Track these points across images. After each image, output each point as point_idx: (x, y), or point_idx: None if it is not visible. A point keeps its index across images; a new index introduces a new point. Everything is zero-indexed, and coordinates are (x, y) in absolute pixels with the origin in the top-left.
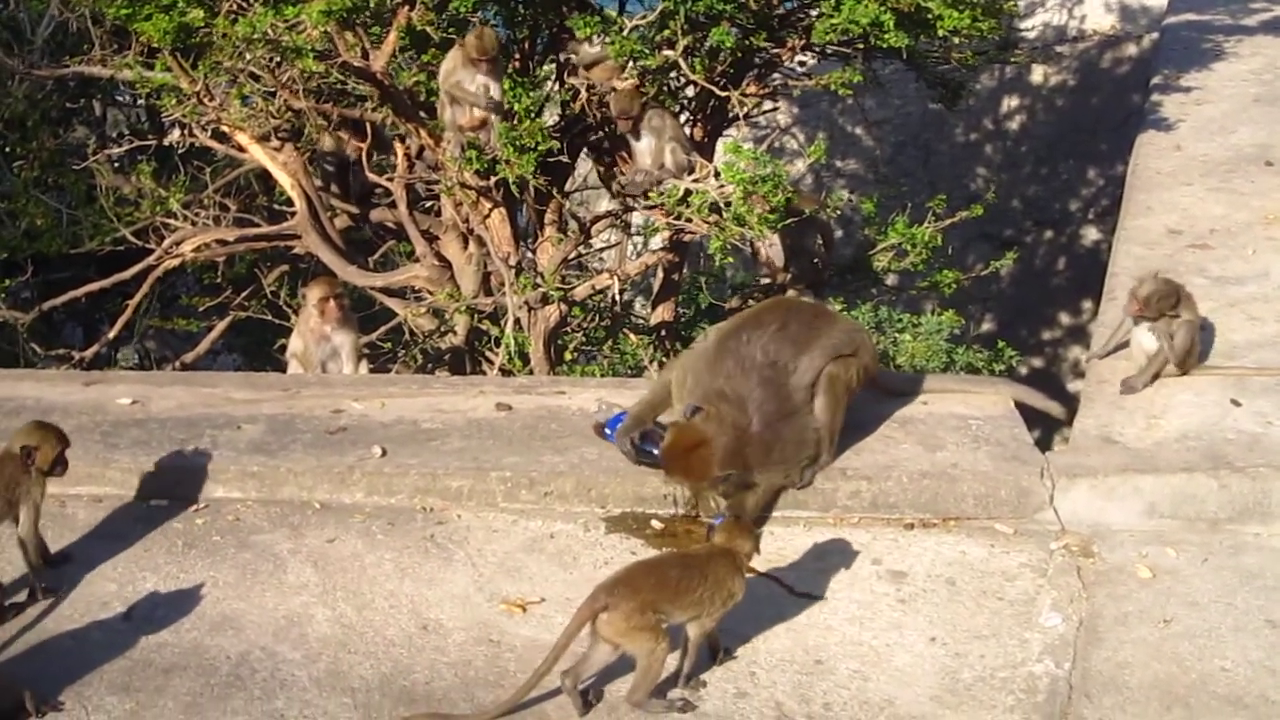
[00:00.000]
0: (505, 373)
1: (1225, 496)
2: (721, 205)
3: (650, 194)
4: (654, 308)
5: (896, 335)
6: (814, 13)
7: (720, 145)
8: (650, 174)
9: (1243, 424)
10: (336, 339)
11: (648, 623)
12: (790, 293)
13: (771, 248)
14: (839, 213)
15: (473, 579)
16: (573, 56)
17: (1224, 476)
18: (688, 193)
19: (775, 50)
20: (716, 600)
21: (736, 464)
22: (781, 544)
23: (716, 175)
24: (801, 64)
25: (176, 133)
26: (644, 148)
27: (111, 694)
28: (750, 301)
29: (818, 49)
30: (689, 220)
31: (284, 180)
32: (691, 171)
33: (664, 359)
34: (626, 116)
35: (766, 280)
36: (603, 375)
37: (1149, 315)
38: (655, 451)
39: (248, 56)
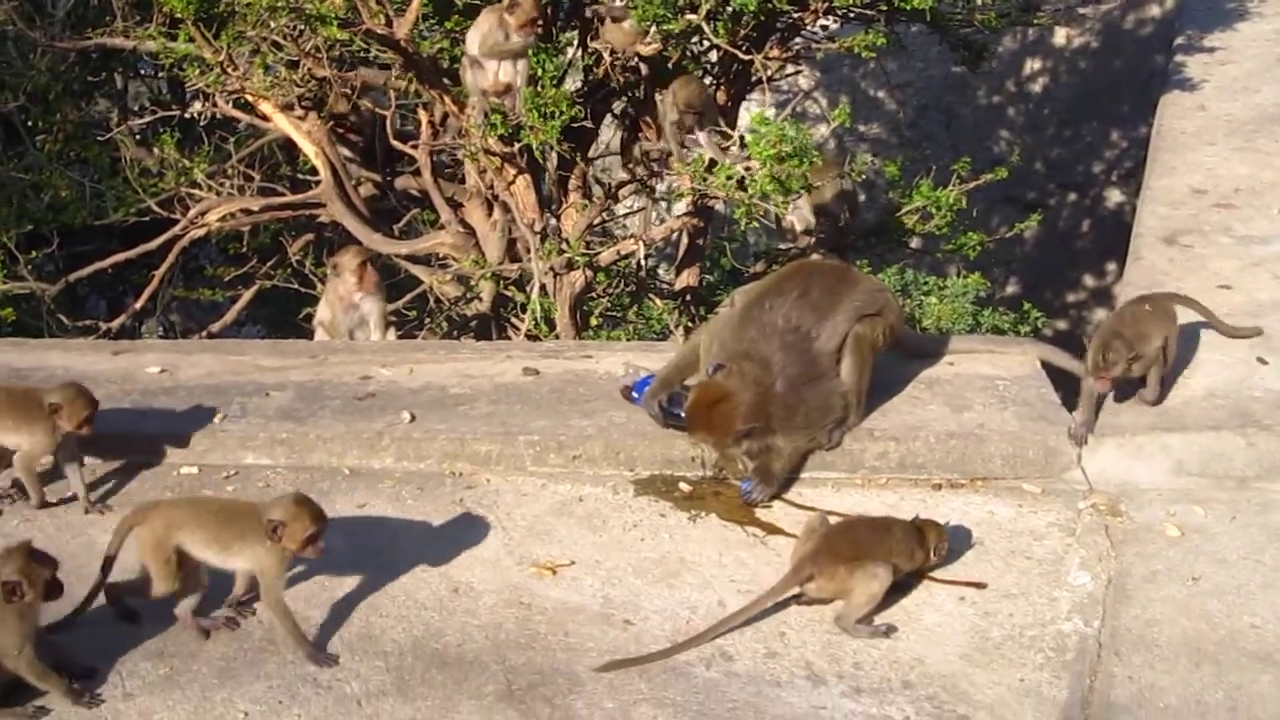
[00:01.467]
0: (532, 338)
1: (1253, 454)
2: (746, 180)
3: (677, 167)
4: (678, 273)
5: (922, 298)
6: None
7: (745, 113)
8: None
9: (1270, 382)
10: (365, 306)
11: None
12: (814, 256)
13: (796, 212)
14: (863, 177)
15: (502, 542)
16: (600, 10)
17: (1251, 434)
18: (713, 163)
19: (798, 14)
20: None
21: (760, 419)
22: (810, 505)
23: (742, 144)
24: (824, 28)
25: (199, 104)
26: (705, 141)
27: (146, 660)
28: (774, 267)
29: (840, 12)
30: (715, 186)
31: (308, 149)
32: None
33: (689, 324)
34: (693, 110)
35: (790, 245)
36: (629, 340)
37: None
38: (682, 414)
39: (271, 25)
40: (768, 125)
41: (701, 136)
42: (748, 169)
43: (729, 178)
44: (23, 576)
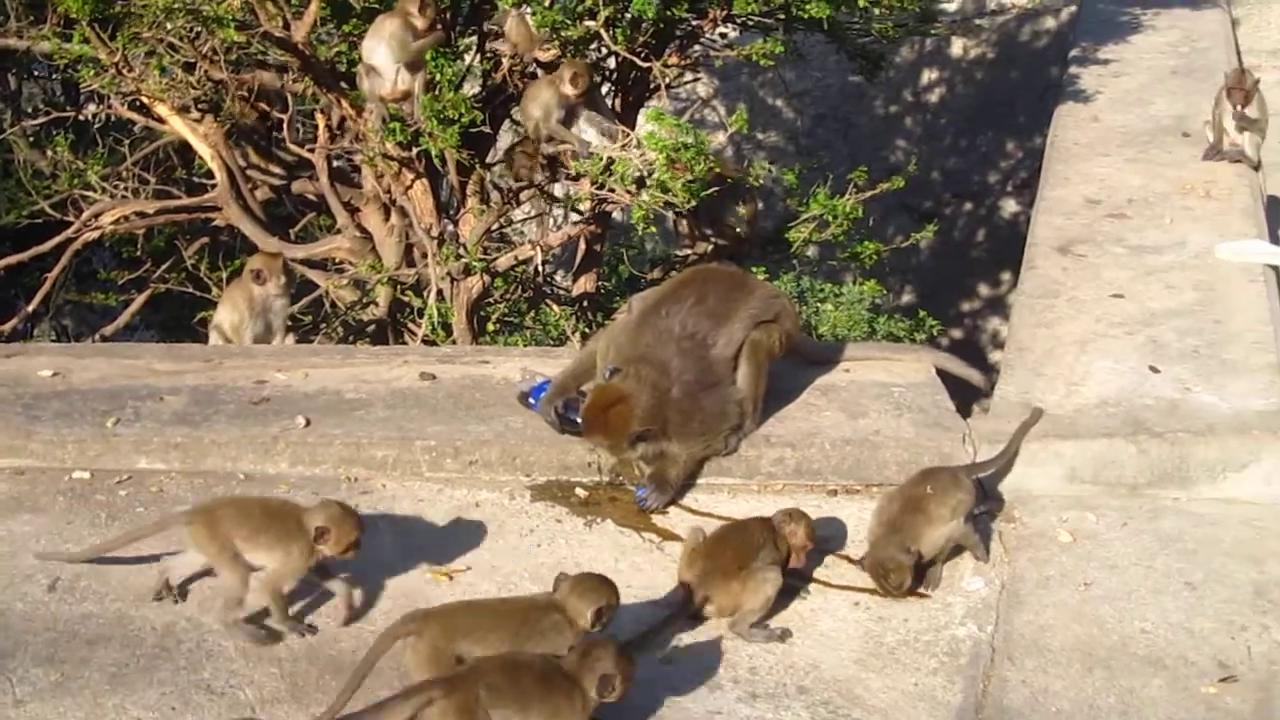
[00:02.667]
0: (428, 343)
1: (1144, 462)
2: (645, 174)
3: (573, 164)
4: (576, 279)
5: (819, 305)
6: None
7: (642, 115)
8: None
9: (1161, 390)
10: (276, 306)
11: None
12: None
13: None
14: (760, 183)
15: (398, 547)
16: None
17: (1143, 442)
18: (611, 162)
19: (697, 21)
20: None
21: (655, 422)
22: (705, 511)
23: (639, 145)
24: (723, 35)
25: (94, 105)
26: (585, 121)
27: (36, 665)
28: (672, 274)
29: (739, 20)
30: (612, 190)
31: (204, 152)
32: (615, 141)
33: (587, 330)
34: (582, 92)
35: (687, 252)
36: (526, 346)
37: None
38: (578, 419)
39: (167, 27)
40: (663, 120)
41: (584, 120)
42: (645, 160)
43: (624, 173)
44: None
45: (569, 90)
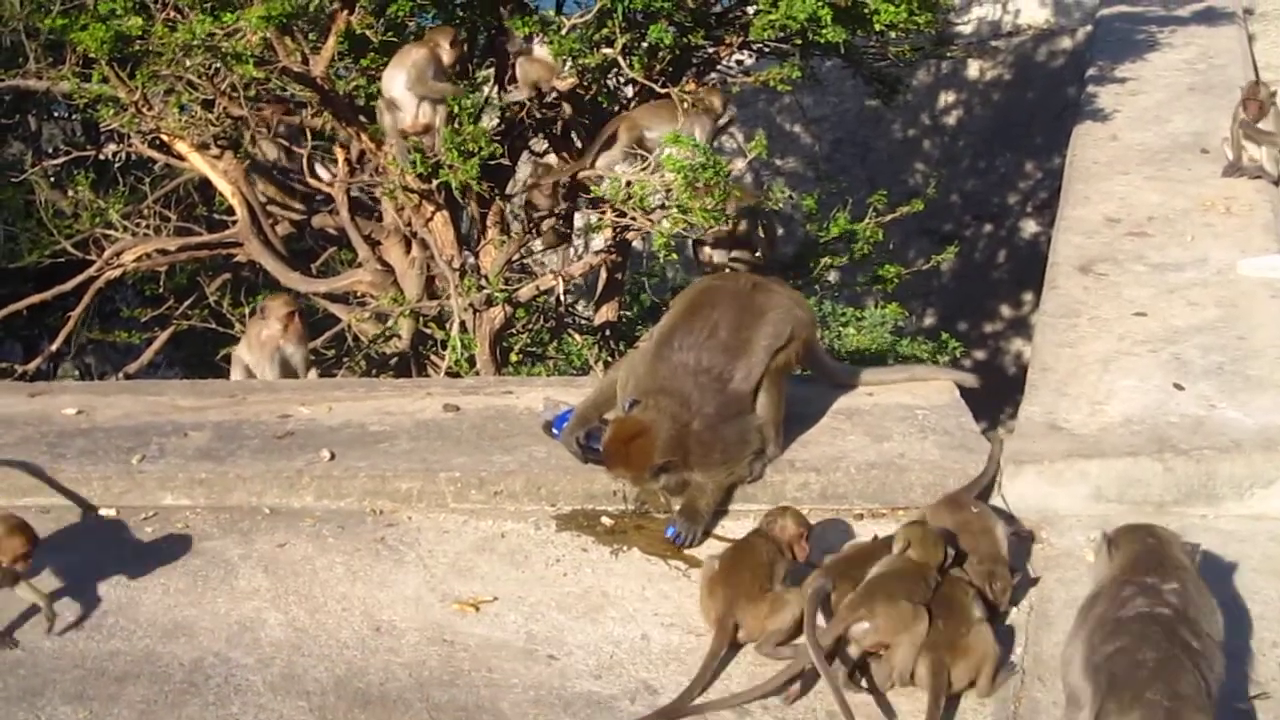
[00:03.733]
0: (452, 375)
1: (1170, 480)
2: (664, 196)
3: (593, 189)
4: (597, 308)
5: (841, 329)
6: (751, 9)
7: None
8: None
9: (1186, 407)
10: (289, 350)
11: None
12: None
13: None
14: (780, 208)
15: (424, 580)
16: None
17: (1169, 460)
18: (630, 185)
19: (713, 48)
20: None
21: (676, 454)
22: (734, 536)
23: (657, 167)
24: (739, 62)
25: (114, 144)
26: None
27: (65, 703)
28: None
29: (755, 46)
30: (633, 218)
31: (224, 188)
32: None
33: (609, 358)
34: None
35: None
36: (548, 375)
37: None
38: (601, 449)
39: (186, 64)
40: (681, 141)
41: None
42: (664, 182)
43: (643, 196)
44: None
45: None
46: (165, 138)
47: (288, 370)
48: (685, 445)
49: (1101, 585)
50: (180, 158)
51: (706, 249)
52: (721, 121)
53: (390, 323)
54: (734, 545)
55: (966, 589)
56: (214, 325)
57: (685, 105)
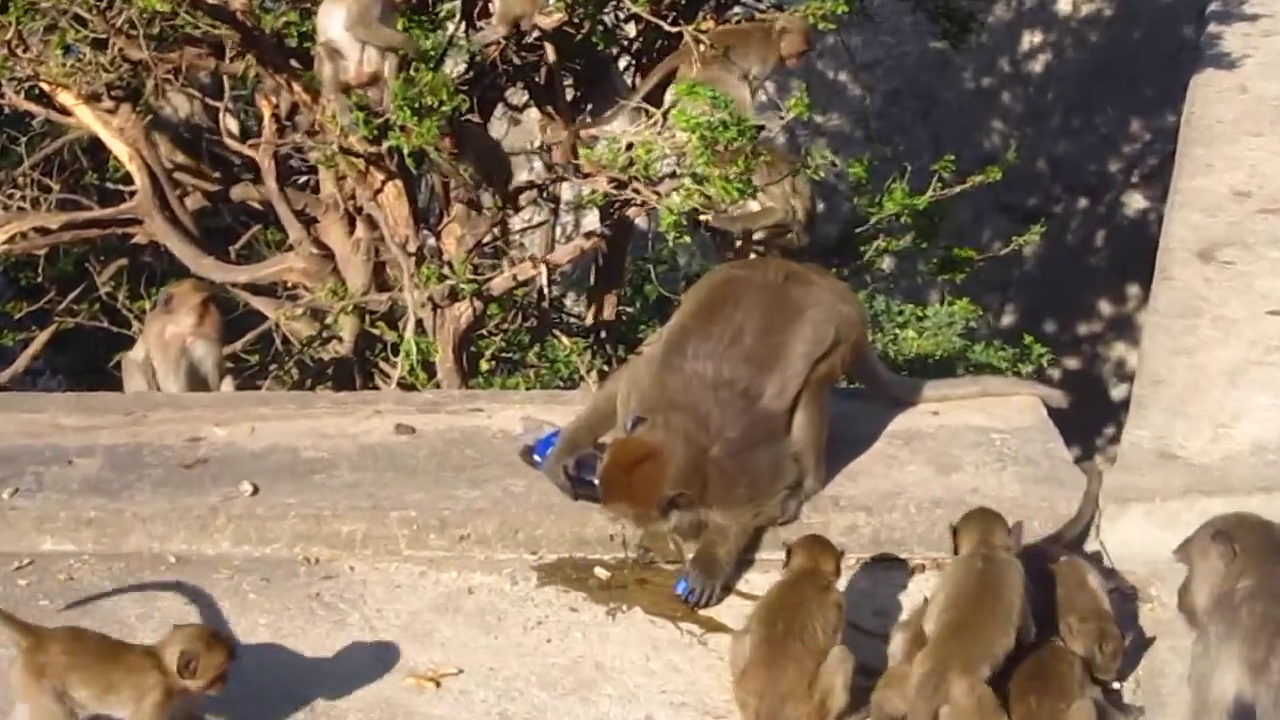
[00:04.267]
0: (406, 387)
1: None
2: (675, 162)
3: (583, 153)
4: (590, 304)
5: (897, 331)
6: None
7: (671, 89)
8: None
9: None
10: (198, 352)
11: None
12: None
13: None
14: (821, 177)
15: (371, 647)
16: None
17: None
18: (631, 149)
19: None
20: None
21: (692, 485)
22: (761, 593)
23: (664, 120)
24: None
25: None
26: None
27: None
28: None
29: None
30: (635, 190)
31: (120, 150)
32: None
33: (604, 367)
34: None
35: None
36: (528, 388)
37: None
38: (596, 482)
39: None
40: (697, 91)
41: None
42: (674, 145)
43: (649, 162)
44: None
45: None
46: (45, 87)
47: (197, 379)
48: (703, 476)
49: (1242, 583)
50: (65, 112)
51: (751, 216)
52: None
53: (329, 321)
54: (773, 603)
55: (1068, 657)
56: (106, 323)
57: (702, 48)
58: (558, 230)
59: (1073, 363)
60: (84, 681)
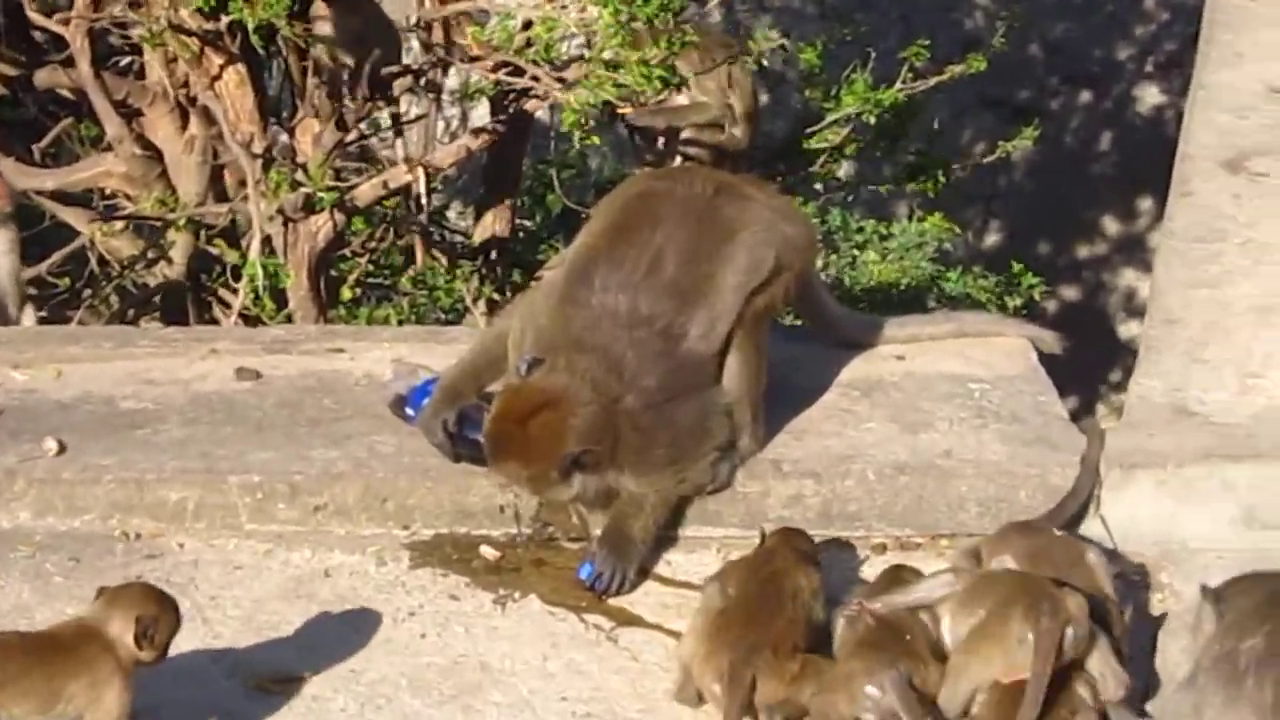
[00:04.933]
0: (250, 321)
1: None
2: (583, 44)
3: (471, 31)
4: (479, 217)
5: (855, 254)
6: None
7: None
8: None
9: None
10: None
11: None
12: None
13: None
14: (765, 64)
15: (205, 642)
16: None
17: None
18: (529, 27)
19: None
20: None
21: (600, 440)
22: (683, 579)
23: None
24: None
25: None
26: None
27: None
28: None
29: None
30: (534, 78)
31: None
32: None
33: (495, 296)
34: None
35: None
36: (401, 322)
37: None
38: (481, 438)
39: None
40: None
41: None
42: (581, 21)
43: (549, 43)
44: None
45: None
46: None
47: None
48: (613, 431)
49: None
50: None
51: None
52: None
53: (156, 238)
54: (754, 560)
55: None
56: None
57: None
58: (439, 127)
59: (1071, 295)
60: (19, 697)
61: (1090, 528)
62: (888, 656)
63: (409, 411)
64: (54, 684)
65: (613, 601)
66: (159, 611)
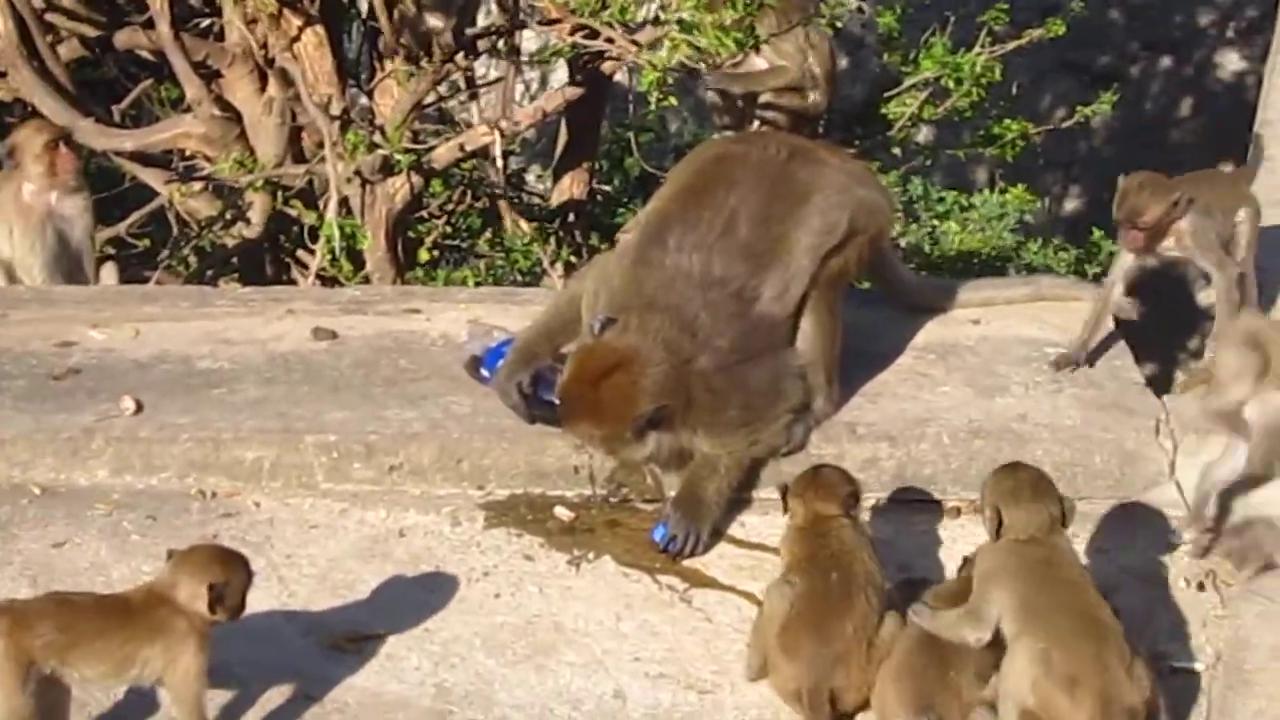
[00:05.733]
0: (327, 281)
1: None
2: (660, 6)
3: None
4: (556, 180)
5: (935, 223)
6: None
7: None
8: None
9: None
10: (67, 210)
11: None
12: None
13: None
14: (843, 27)
15: (279, 601)
16: None
17: None
18: None
19: None
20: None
21: (673, 399)
22: (757, 541)
23: None
24: None
25: None
26: None
27: None
28: None
29: None
30: (609, 39)
31: None
32: None
33: (572, 259)
34: None
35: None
36: (477, 284)
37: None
38: (556, 399)
39: None
40: None
41: None
42: None
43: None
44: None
45: None
46: None
47: (68, 258)
48: (686, 392)
49: None
50: None
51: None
52: None
53: (236, 199)
54: (810, 539)
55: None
56: None
57: None
58: (517, 90)
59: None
60: (91, 658)
61: (1165, 492)
62: (924, 692)
63: (484, 373)
64: (127, 648)
65: (686, 563)
66: (230, 575)
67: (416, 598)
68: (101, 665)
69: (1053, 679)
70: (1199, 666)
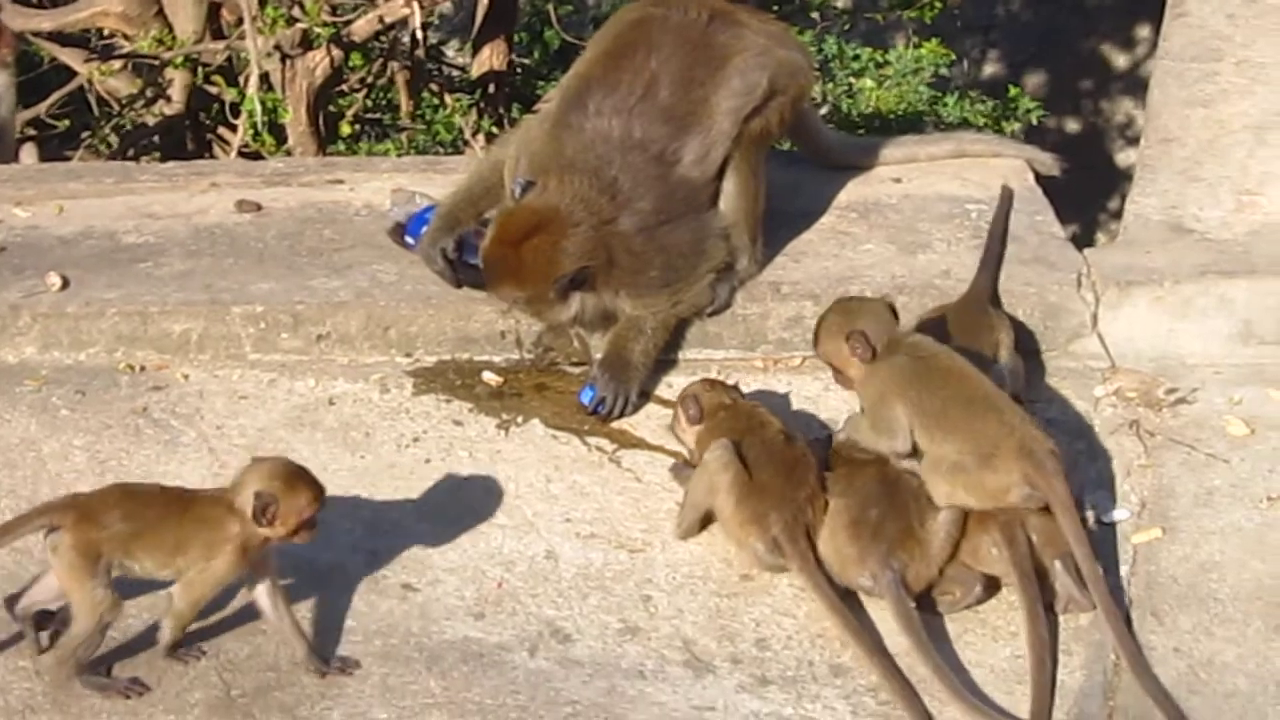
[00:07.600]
0: (249, 155)
1: None
2: None
3: None
4: (476, 51)
5: (852, 81)
6: None
7: None
8: None
9: None
10: None
11: None
12: None
13: None
14: None
15: (210, 471)
16: None
17: None
18: None
19: None
20: None
21: (595, 257)
22: None
23: None
24: None
25: None
26: None
27: None
28: None
29: None
30: None
31: None
32: None
33: (494, 130)
34: None
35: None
36: (399, 154)
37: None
38: (480, 263)
39: None
40: None
41: None
42: None
43: None
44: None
45: None
46: None
47: None
48: (608, 252)
49: None
50: None
51: None
52: None
53: (154, 76)
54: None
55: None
56: None
57: None
58: None
59: (1069, 120)
60: (150, 549)
61: (1088, 345)
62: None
63: (408, 239)
64: (178, 540)
65: (615, 424)
66: (281, 490)
67: (347, 465)
68: (158, 553)
69: (972, 468)
70: (1124, 515)
